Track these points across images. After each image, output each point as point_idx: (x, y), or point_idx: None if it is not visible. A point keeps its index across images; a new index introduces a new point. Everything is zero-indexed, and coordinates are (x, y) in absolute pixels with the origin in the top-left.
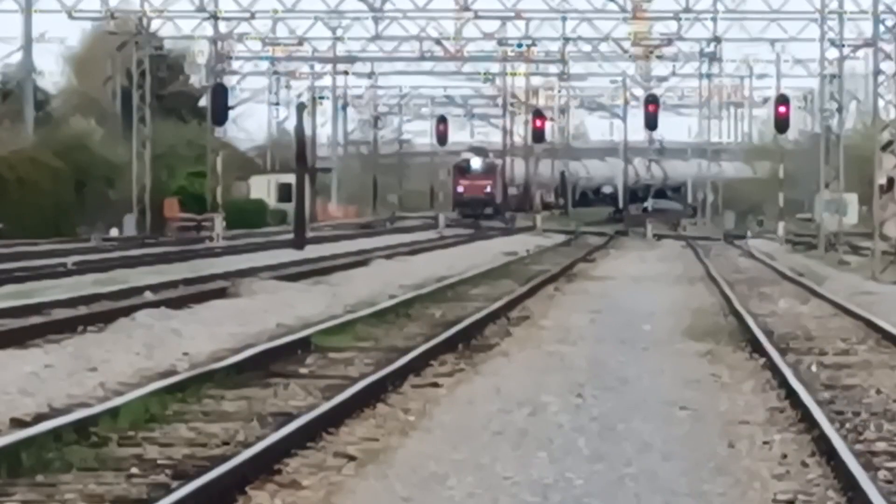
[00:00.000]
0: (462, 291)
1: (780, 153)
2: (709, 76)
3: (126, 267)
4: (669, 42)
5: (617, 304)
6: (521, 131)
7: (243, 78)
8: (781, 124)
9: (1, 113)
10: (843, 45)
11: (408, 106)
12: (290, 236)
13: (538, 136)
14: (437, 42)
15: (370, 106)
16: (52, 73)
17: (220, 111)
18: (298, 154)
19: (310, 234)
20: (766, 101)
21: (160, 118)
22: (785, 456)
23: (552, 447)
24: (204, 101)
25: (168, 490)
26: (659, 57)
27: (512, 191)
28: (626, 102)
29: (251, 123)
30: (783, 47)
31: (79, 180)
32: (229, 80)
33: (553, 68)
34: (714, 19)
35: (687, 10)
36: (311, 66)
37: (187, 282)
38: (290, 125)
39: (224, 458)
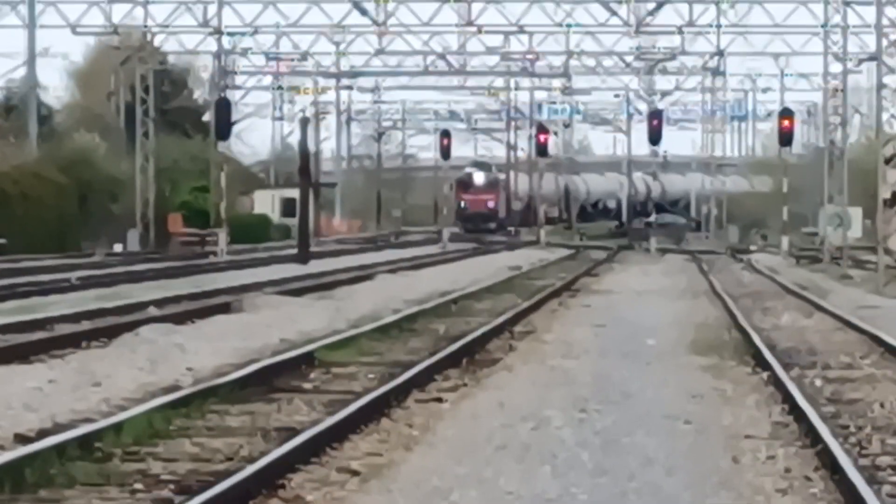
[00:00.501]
0: (466, 306)
1: (784, 167)
2: (712, 90)
3: (130, 282)
4: (673, 56)
5: (621, 319)
6: (524, 145)
7: (247, 93)
8: (785, 138)
9: (5, 128)
10: (847, 59)
11: (411, 120)
12: (294, 251)
13: (542, 150)
14: (441, 56)
15: (374, 120)
16: (55, 88)
17: (224, 126)
18: (302, 169)
19: (313, 249)
20: (769, 114)
21: (164, 133)
22: (789, 470)
23: (556, 461)
24: (207, 116)
25: None
26: (661, 72)
27: (516, 205)
28: (630, 117)
29: (255, 138)
30: (787, 61)
31: (82, 195)
32: (233, 95)
33: (557, 82)
34: (717, 33)
35: (690, 23)
36: (315, 81)
37: (191, 297)
38: (294, 140)
39: (228, 474)
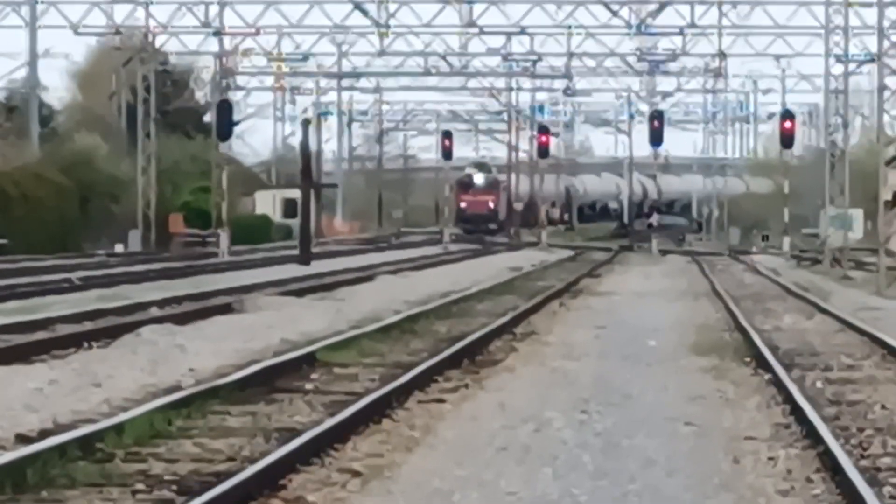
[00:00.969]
0: (467, 307)
1: (785, 169)
2: (714, 92)
3: (131, 283)
4: (674, 57)
5: (622, 320)
6: (526, 146)
7: (248, 93)
8: (786, 140)
9: (6, 129)
10: (848, 61)
11: (413, 121)
12: (295, 252)
13: (543, 151)
14: (442, 57)
15: (375, 121)
16: (56, 89)
17: (225, 126)
18: (304, 169)
19: (315, 250)
20: (771, 116)
21: (165, 134)
22: (790, 472)
23: (556, 463)
24: (209, 117)
25: None
26: (663, 73)
27: (517, 206)
28: (632, 118)
29: (256, 139)
30: (788, 63)
31: (83, 196)
32: (234, 96)
33: (558, 83)
34: (719, 34)
35: (692, 25)
36: (317, 82)
37: (192, 297)
38: (296, 141)
39: (229, 474)
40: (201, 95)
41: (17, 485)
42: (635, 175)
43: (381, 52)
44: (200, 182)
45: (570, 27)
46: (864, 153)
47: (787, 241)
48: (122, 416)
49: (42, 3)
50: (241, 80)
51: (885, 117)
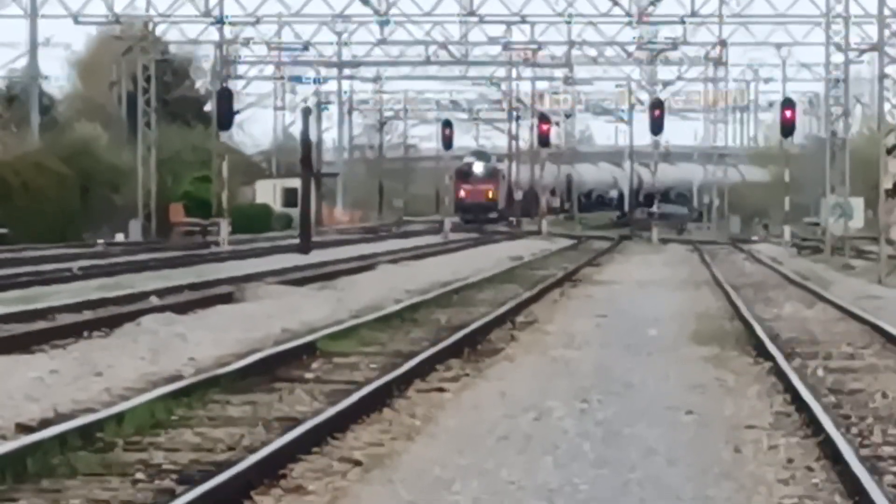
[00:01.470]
0: (468, 296)
1: (786, 157)
2: (714, 80)
3: (132, 272)
4: (675, 46)
5: (622, 309)
6: (526, 136)
7: (249, 83)
8: (787, 128)
9: (6, 118)
10: (849, 49)
11: (413, 110)
12: (296, 241)
13: (544, 140)
14: (443, 46)
15: (375, 110)
16: (57, 78)
17: (226, 116)
18: (304, 159)
19: (315, 239)
20: (771, 105)
21: (165, 123)
22: (791, 460)
23: (557, 452)
24: (209, 106)
25: (173, 495)
26: (663, 62)
27: (518, 195)
28: (632, 107)
29: (257, 128)
30: (789, 51)
31: (84, 185)
32: (235, 85)
33: (558, 72)
34: (720, 23)
35: (693, 14)
36: (317, 71)
37: (193, 287)
38: (296, 130)
39: (229, 464)
40: (201, 85)
41: (18, 474)
42: (636, 164)
43: (382, 41)
44: (201, 171)
45: (570, 16)
46: (864, 142)
47: (787, 229)
48: (123, 406)
49: None
50: (240, 69)
51: (886, 106)
